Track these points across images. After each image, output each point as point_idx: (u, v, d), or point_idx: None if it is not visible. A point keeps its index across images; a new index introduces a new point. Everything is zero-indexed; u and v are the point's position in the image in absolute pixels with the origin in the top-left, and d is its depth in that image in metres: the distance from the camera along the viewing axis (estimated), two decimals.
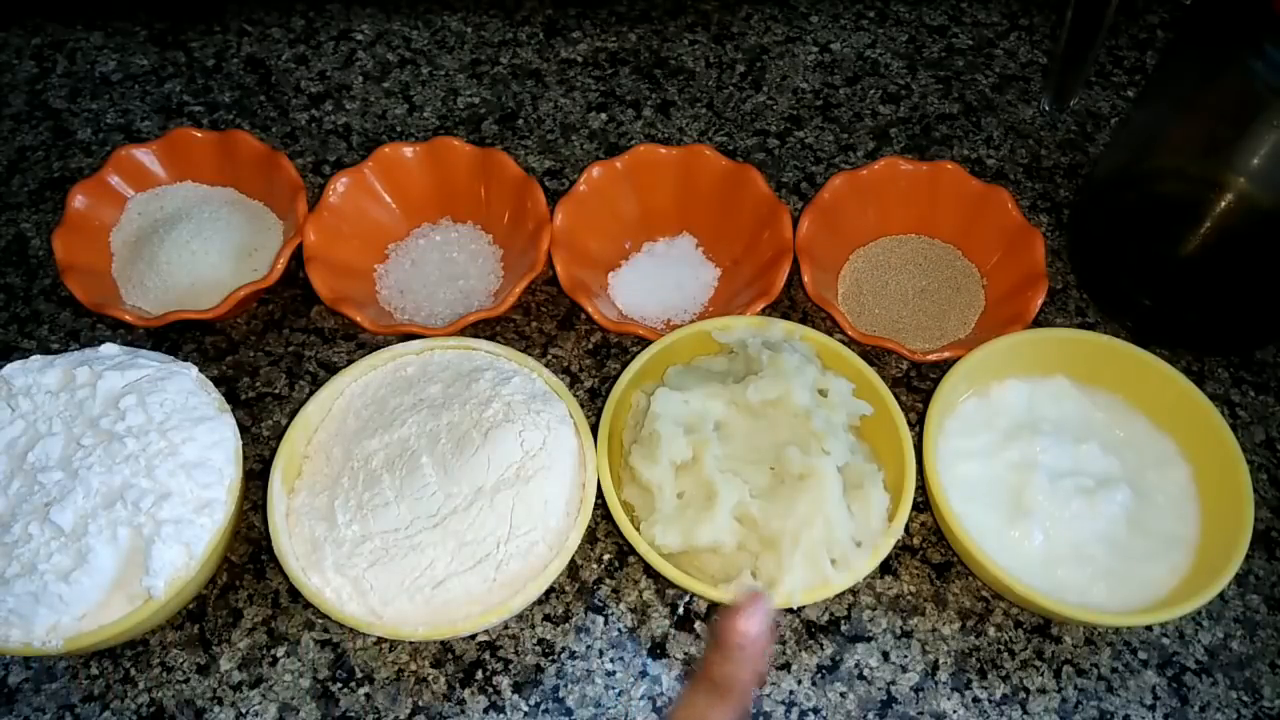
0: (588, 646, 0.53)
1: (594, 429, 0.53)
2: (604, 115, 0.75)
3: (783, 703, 0.51)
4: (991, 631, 0.54)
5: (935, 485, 0.51)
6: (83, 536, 0.46)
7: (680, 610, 0.54)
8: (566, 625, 0.53)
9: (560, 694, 0.51)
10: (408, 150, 0.65)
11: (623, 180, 0.65)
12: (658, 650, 0.53)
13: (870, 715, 0.51)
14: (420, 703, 0.51)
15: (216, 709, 0.51)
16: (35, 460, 0.48)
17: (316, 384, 0.60)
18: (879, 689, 0.52)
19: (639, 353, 0.56)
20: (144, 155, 0.66)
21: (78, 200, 0.63)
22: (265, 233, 0.65)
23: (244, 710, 0.51)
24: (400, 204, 0.66)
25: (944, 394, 0.54)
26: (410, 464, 0.50)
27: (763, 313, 0.58)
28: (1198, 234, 0.61)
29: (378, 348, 0.56)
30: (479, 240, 0.65)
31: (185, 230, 0.63)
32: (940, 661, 0.53)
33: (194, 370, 0.53)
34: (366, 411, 0.54)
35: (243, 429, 0.54)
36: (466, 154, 0.65)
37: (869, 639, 0.53)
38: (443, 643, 0.53)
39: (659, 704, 0.51)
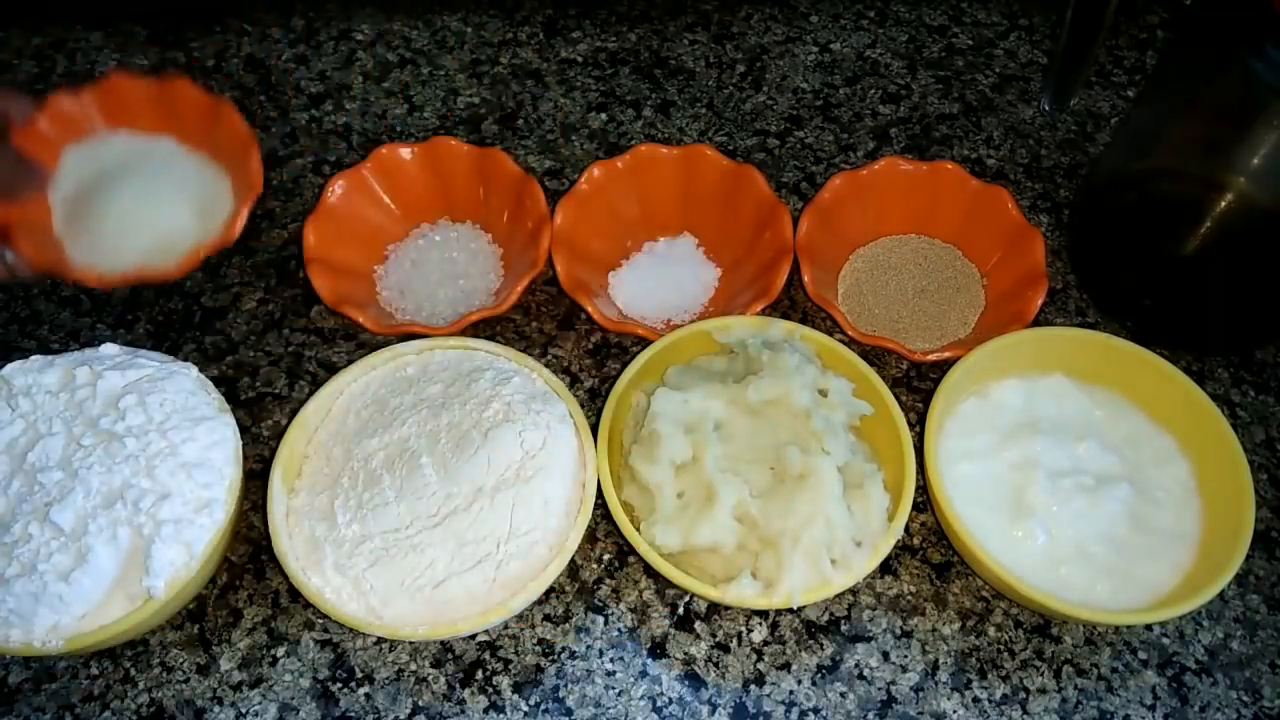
0: (588, 646, 0.53)
1: (594, 429, 0.53)
2: (604, 115, 0.75)
3: (783, 703, 0.51)
4: (991, 631, 0.54)
5: (936, 485, 0.51)
6: (83, 536, 0.46)
7: (680, 610, 0.54)
8: (566, 625, 0.53)
9: (560, 694, 0.51)
10: (405, 151, 0.65)
11: (624, 180, 0.65)
12: (658, 650, 0.53)
13: (870, 715, 0.51)
14: (420, 703, 0.51)
15: (216, 709, 0.51)
16: (35, 460, 0.48)
17: (316, 384, 0.60)
18: (879, 689, 0.52)
19: (639, 353, 0.56)
20: (79, 100, 0.62)
21: None
22: (215, 187, 0.63)
23: (244, 710, 0.51)
24: (399, 205, 0.66)
25: (944, 394, 0.54)
26: (410, 464, 0.50)
27: (763, 313, 0.58)
28: (1198, 234, 0.61)
29: (378, 348, 0.56)
30: (478, 240, 0.65)
31: (132, 187, 0.60)
32: (940, 661, 0.53)
33: (194, 370, 0.53)
34: (366, 411, 0.54)
35: (243, 429, 0.54)
36: (464, 154, 0.65)
37: (869, 639, 0.53)
38: (443, 643, 0.53)
39: (659, 704, 0.51)
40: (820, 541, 0.48)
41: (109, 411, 0.49)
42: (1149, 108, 0.65)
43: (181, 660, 0.52)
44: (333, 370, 0.58)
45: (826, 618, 0.54)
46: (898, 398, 0.54)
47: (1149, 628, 0.54)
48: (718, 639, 0.53)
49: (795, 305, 0.65)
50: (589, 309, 0.59)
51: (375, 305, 0.63)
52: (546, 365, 0.60)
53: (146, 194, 0.61)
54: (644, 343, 0.57)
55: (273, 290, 0.65)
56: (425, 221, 0.66)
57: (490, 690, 0.51)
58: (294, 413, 0.54)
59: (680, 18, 0.81)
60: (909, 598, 0.54)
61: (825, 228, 0.63)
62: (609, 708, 0.51)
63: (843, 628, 0.53)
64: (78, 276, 0.57)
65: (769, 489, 0.51)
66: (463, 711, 0.51)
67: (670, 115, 0.75)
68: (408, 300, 0.63)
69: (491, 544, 0.48)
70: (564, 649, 0.53)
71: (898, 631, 0.53)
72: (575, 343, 0.63)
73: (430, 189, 0.66)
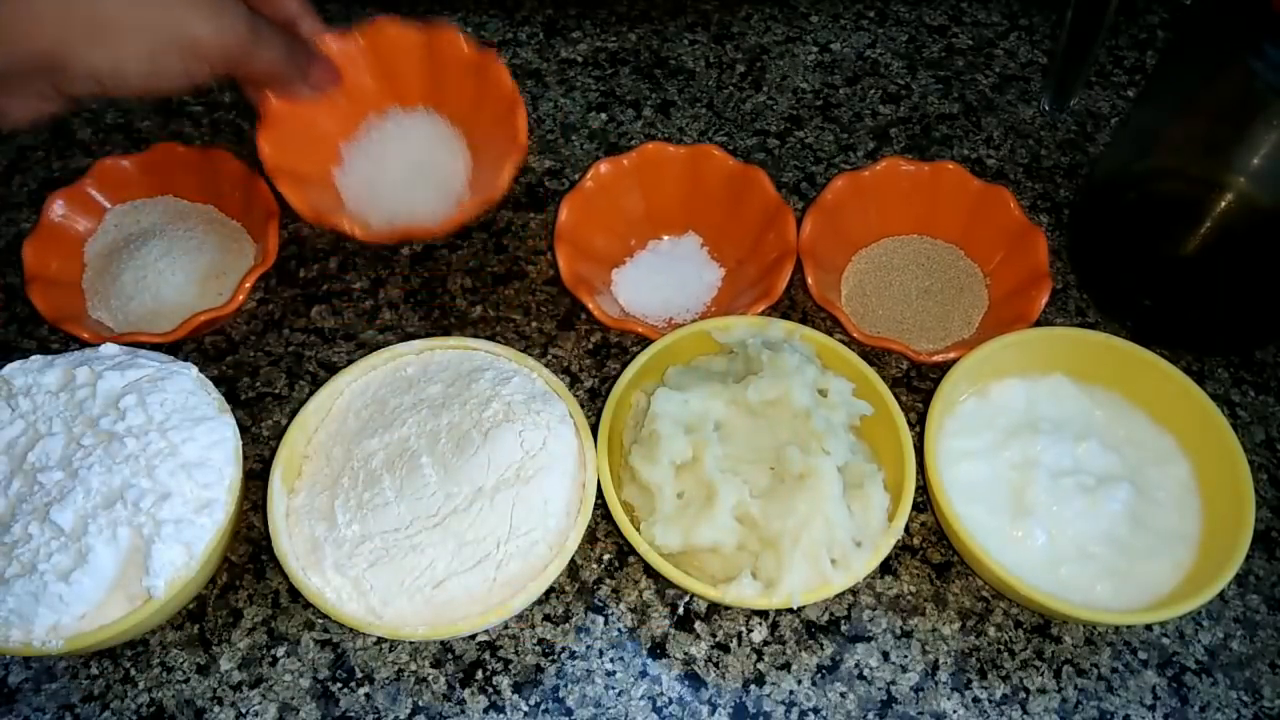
0: (588, 646, 0.53)
1: (594, 429, 0.53)
2: (604, 115, 0.75)
3: (783, 703, 0.51)
4: (991, 631, 0.54)
5: (936, 485, 0.51)
6: (83, 536, 0.46)
7: (680, 610, 0.54)
8: (566, 625, 0.53)
9: (560, 694, 0.51)
10: (336, 43, 0.59)
11: (629, 178, 0.65)
12: (658, 650, 0.53)
13: (870, 715, 0.51)
14: (420, 703, 0.51)
15: (216, 709, 0.51)
16: (35, 460, 0.48)
17: (316, 384, 0.60)
18: (879, 689, 0.52)
19: (639, 353, 0.56)
20: (127, 166, 0.65)
21: (56, 208, 0.63)
22: (238, 255, 0.64)
23: (244, 710, 0.51)
24: (341, 97, 0.60)
25: (944, 393, 0.54)
26: (410, 464, 0.50)
27: (763, 313, 0.58)
28: (1198, 234, 0.61)
29: (378, 347, 0.56)
30: (436, 125, 0.63)
31: (155, 248, 0.62)
32: (940, 661, 0.53)
33: (194, 370, 0.53)
34: (366, 411, 0.54)
35: (243, 429, 0.54)
36: (408, 37, 0.61)
37: (869, 639, 0.53)
38: (443, 643, 0.53)
39: (659, 704, 0.51)
40: (820, 541, 0.48)
41: (109, 411, 0.49)
42: (1149, 108, 0.65)
43: (181, 660, 0.52)
44: (333, 370, 0.58)
45: (826, 618, 0.54)
46: (898, 398, 0.54)
47: (1149, 628, 0.54)
48: (718, 639, 0.53)
49: (796, 305, 0.65)
50: (589, 305, 0.59)
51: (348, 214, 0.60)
52: (546, 365, 0.60)
53: (161, 258, 0.62)
54: (644, 342, 0.57)
55: (273, 290, 0.65)
56: (372, 111, 0.63)
57: (490, 690, 0.51)
58: (294, 413, 0.54)
59: (680, 18, 0.81)
60: (909, 598, 0.54)
61: (828, 229, 0.63)
62: (609, 708, 0.51)
63: (843, 628, 0.53)
64: (81, 333, 0.58)
65: (769, 489, 0.51)
66: (463, 711, 0.51)
67: (670, 115, 0.75)
68: (383, 203, 0.60)
69: (491, 544, 0.48)
70: (564, 649, 0.53)
71: (898, 631, 0.53)
72: (575, 343, 0.63)
73: (374, 77, 0.62)
